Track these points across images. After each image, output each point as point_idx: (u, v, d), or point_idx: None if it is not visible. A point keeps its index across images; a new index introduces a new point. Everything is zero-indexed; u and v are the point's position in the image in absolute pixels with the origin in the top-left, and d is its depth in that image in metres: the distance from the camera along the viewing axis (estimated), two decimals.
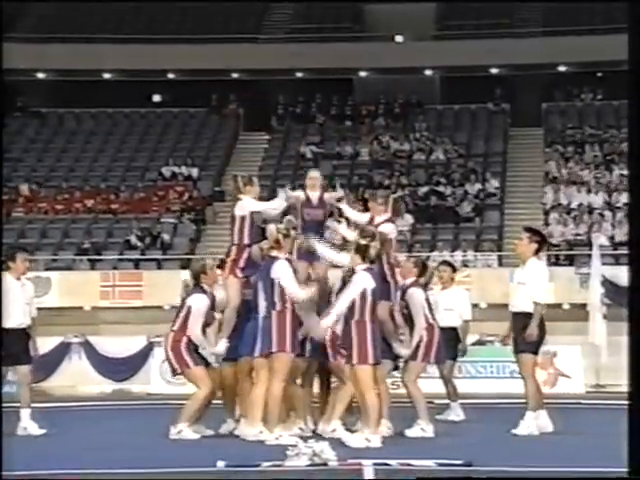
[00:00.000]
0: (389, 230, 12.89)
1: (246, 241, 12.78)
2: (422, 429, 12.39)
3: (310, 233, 12.82)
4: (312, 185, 13.24)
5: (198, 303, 12.59)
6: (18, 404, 13.43)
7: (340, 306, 11.54)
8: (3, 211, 29.23)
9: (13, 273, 13.47)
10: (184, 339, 12.54)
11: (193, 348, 12.60)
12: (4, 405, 13.25)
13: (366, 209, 13.36)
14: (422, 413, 12.50)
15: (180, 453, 11.04)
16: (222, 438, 12.50)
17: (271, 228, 12.25)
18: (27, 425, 13.23)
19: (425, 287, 13.10)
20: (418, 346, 12.51)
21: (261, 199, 13.39)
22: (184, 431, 12.38)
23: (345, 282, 11.85)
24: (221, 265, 12.96)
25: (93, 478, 8.90)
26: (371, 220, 13.02)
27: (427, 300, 12.74)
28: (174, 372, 12.87)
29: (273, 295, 11.79)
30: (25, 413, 13.30)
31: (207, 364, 12.80)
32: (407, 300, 12.61)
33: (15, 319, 13.30)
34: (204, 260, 13.76)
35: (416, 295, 12.61)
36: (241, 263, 12.73)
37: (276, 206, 13.08)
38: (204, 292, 12.66)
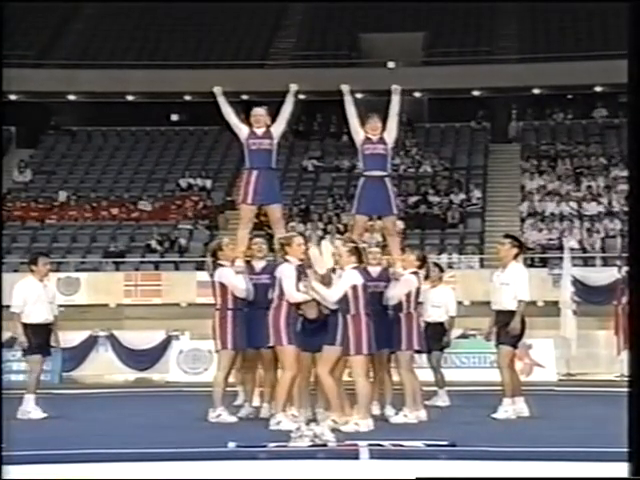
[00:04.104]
0: (411, 281, 12.42)
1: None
2: (405, 415, 12.23)
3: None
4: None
5: (224, 276, 12.23)
6: (23, 391, 13.38)
7: (328, 293, 11.39)
8: (2, 218, 29.14)
9: (36, 275, 13.46)
10: (229, 314, 12.21)
11: (239, 330, 12.21)
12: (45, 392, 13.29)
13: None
14: (408, 400, 12.31)
15: (194, 434, 10.99)
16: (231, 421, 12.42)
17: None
18: (30, 410, 13.12)
19: (426, 278, 12.99)
20: (400, 336, 12.32)
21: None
22: (222, 415, 12.21)
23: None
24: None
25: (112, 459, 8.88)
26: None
27: (417, 290, 12.54)
28: (215, 348, 12.44)
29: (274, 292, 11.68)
30: (28, 399, 13.19)
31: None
32: (400, 283, 12.29)
33: (39, 316, 13.32)
34: (220, 239, 13.65)
35: (410, 280, 12.40)
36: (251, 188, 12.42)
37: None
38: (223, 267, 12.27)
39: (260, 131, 12.63)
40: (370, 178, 12.69)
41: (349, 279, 11.41)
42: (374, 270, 12.46)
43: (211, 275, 12.51)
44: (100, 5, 37.90)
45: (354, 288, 11.40)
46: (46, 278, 13.59)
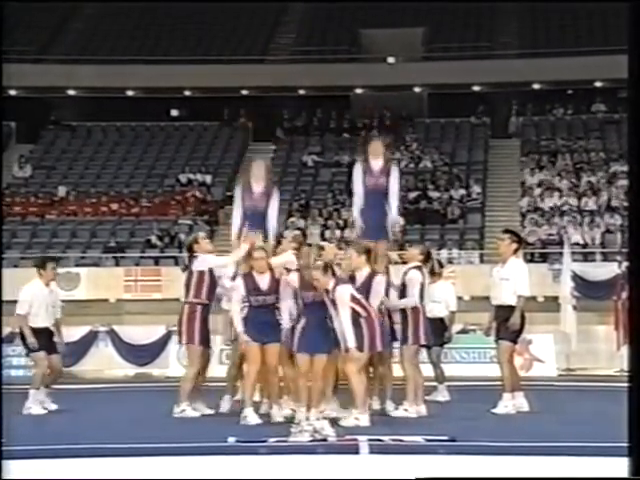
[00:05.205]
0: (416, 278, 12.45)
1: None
2: (405, 409, 12.27)
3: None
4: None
5: (200, 265, 12.33)
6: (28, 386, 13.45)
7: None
8: (3, 214, 29.09)
9: (43, 279, 13.44)
10: (198, 309, 12.31)
11: (205, 327, 12.36)
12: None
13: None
14: (410, 394, 12.33)
15: (195, 429, 11.01)
16: (229, 416, 12.35)
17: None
18: (31, 405, 13.20)
19: (431, 274, 13.02)
20: (406, 330, 12.34)
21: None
22: (186, 410, 12.28)
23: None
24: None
25: (113, 454, 8.89)
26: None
27: (422, 284, 12.51)
28: (180, 341, 12.60)
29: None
30: (33, 394, 13.27)
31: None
32: (406, 281, 12.36)
33: (43, 320, 13.35)
34: (196, 233, 13.75)
35: (415, 278, 12.40)
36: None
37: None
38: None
39: (258, 189, 12.65)
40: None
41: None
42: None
43: (184, 268, 12.56)
44: (100, 5, 37.87)
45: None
46: (52, 282, 13.59)
